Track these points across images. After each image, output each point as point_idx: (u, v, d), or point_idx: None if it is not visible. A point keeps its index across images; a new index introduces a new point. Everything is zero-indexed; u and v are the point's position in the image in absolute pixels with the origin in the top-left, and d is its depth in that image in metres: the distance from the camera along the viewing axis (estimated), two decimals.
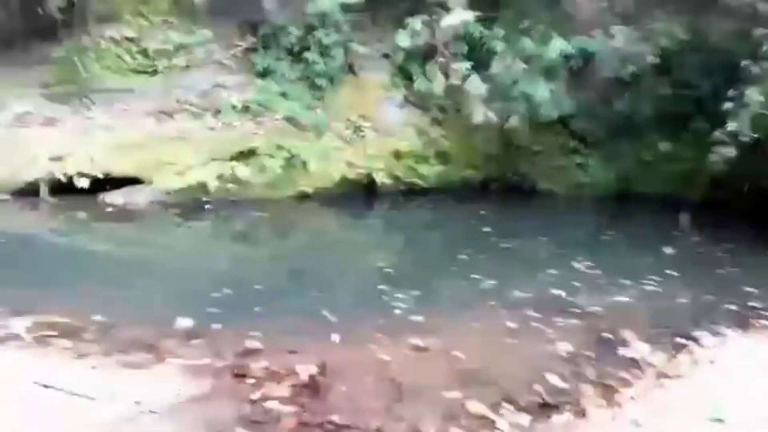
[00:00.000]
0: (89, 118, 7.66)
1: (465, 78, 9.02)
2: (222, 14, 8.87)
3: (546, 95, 8.98)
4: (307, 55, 9.00)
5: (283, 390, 3.44)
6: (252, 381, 3.49)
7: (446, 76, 9.33)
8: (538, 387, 3.75)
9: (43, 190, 6.94)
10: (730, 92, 7.55)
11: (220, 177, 7.56)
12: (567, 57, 9.17)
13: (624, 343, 4.41)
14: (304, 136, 8.46)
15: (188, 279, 5.37)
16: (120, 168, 7.25)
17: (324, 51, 9.12)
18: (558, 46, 9.07)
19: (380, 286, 5.34)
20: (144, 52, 8.45)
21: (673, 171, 9.11)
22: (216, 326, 4.20)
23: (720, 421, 3.21)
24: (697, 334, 4.53)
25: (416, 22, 9.11)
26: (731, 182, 8.19)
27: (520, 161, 9.75)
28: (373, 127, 9.24)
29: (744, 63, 7.52)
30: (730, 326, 4.69)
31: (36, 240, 6.05)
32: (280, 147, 8.02)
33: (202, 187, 7.46)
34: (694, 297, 5.35)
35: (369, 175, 8.80)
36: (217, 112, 8.25)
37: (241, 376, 3.53)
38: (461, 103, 9.32)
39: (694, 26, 9.03)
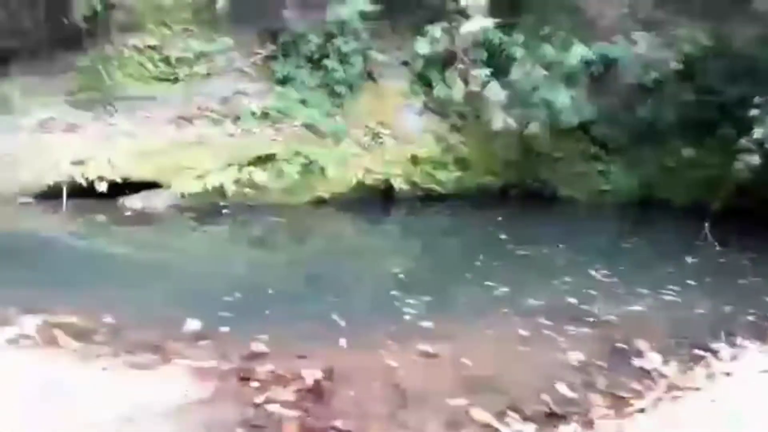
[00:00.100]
0: (111, 125, 7.78)
1: (484, 84, 8.99)
2: (242, 23, 8.97)
3: (567, 101, 8.91)
4: (326, 62, 9.06)
5: (288, 394, 3.44)
6: (257, 384, 3.50)
7: (466, 82, 9.31)
8: (546, 396, 3.70)
9: (64, 194, 7.06)
10: (757, 99, 7.41)
11: (237, 182, 7.62)
12: (588, 63, 9.09)
13: (638, 354, 4.34)
14: (323, 142, 8.50)
15: (201, 282, 5.41)
16: (139, 172, 7.35)
17: (343, 58, 9.17)
18: (579, 52, 9.00)
19: (392, 292, 5.33)
20: (166, 60, 8.57)
21: (696, 178, 8.95)
22: (224, 329, 4.22)
23: None
24: (714, 345, 4.44)
25: (436, 30, 9.12)
26: (756, 190, 8.01)
27: (540, 168, 9.66)
28: (392, 134, 9.24)
29: None
30: (749, 338, 4.57)
31: (55, 242, 6.16)
32: (298, 153, 8.07)
33: (220, 191, 7.53)
34: (713, 307, 5.24)
35: (386, 181, 8.80)
36: (236, 118, 8.33)
37: (246, 379, 3.54)
38: (480, 109, 9.29)
39: (717, 32, 8.89)
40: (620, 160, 9.60)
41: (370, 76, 9.60)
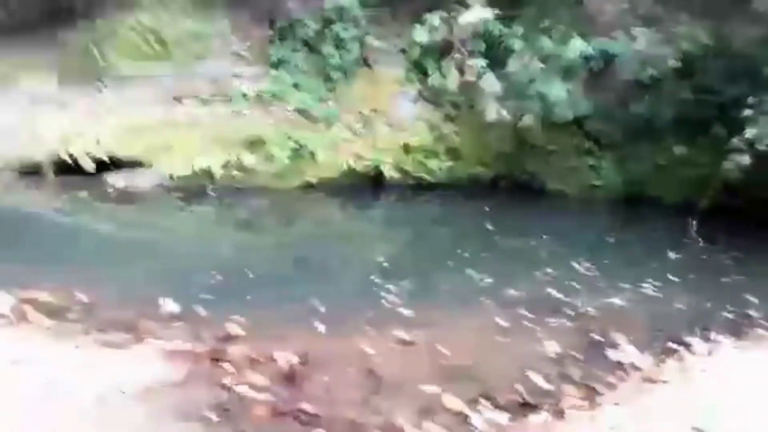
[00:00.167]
0: (101, 103, 7.74)
1: (480, 75, 8.96)
2: (240, 6, 8.91)
3: (562, 95, 8.86)
4: (323, 48, 9.00)
5: (260, 378, 3.44)
6: (229, 367, 3.50)
7: (461, 72, 9.27)
8: (520, 386, 3.71)
9: (49, 170, 7.02)
10: (750, 99, 7.39)
11: (226, 164, 7.60)
12: (587, 58, 9.02)
13: (613, 346, 4.35)
14: (315, 127, 8.47)
15: (183, 263, 5.41)
16: (126, 151, 7.32)
17: (340, 45, 9.11)
18: (577, 46, 8.93)
19: (375, 279, 5.33)
20: (160, 40, 8.49)
21: (688, 176, 8.91)
22: (201, 311, 4.22)
23: (700, 431, 3.13)
24: (689, 340, 4.45)
25: (434, 18, 9.06)
26: (745, 189, 8.02)
27: (533, 160, 9.62)
28: (385, 121, 9.20)
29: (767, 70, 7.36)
30: (725, 334, 4.58)
31: (37, 218, 6.15)
32: (288, 137, 8.04)
33: (208, 173, 7.50)
34: (692, 303, 5.24)
35: (377, 168, 8.77)
36: (227, 100, 8.28)
37: (218, 361, 3.54)
38: (475, 100, 9.26)
39: (718, 31, 8.84)
40: (612, 156, 9.55)
41: (365, 62, 9.55)
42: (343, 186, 8.53)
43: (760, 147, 7.16)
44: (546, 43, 8.99)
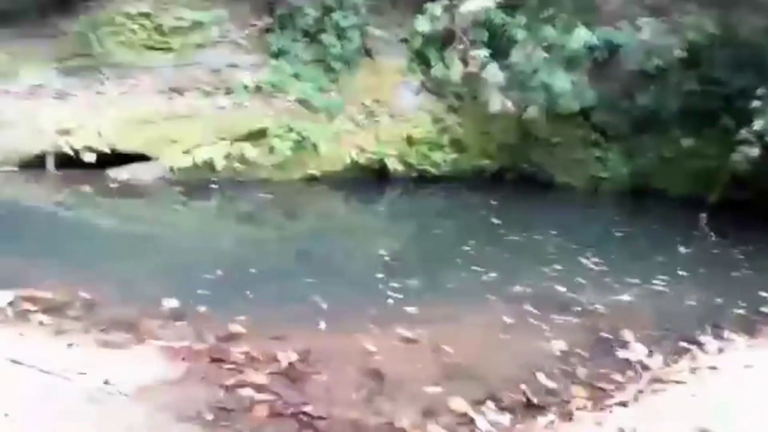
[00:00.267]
0: (100, 93, 7.66)
1: (483, 65, 8.83)
2: None
3: (566, 86, 8.74)
4: (323, 37, 8.88)
5: (261, 377, 3.36)
6: (230, 366, 3.42)
7: (464, 63, 9.14)
8: (525, 386, 3.61)
9: (50, 163, 6.94)
10: (759, 90, 7.26)
11: (227, 157, 7.51)
12: (591, 48, 8.89)
13: (622, 345, 4.26)
14: (316, 118, 8.38)
15: (185, 258, 5.34)
16: (127, 144, 7.24)
17: (341, 34, 8.99)
18: (582, 36, 8.79)
19: (378, 275, 5.25)
20: (159, 29, 8.39)
21: (695, 168, 8.81)
22: (203, 308, 4.14)
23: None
24: (701, 338, 4.36)
25: (436, 7, 8.90)
26: (754, 182, 7.90)
27: (537, 152, 9.53)
28: (388, 112, 9.12)
29: None
30: (737, 331, 4.49)
31: (38, 213, 6.07)
32: (290, 129, 7.94)
33: (209, 166, 7.42)
34: (702, 299, 5.15)
35: (380, 161, 8.68)
36: (228, 91, 8.19)
37: (219, 360, 3.46)
38: (478, 90, 9.13)
39: (725, 21, 8.69)
40: (618, 148, 9.46)
41: (367, 52, 9.43)
42: (346, 179, 8.44)
43: None
44: (549, 32, 8.86)
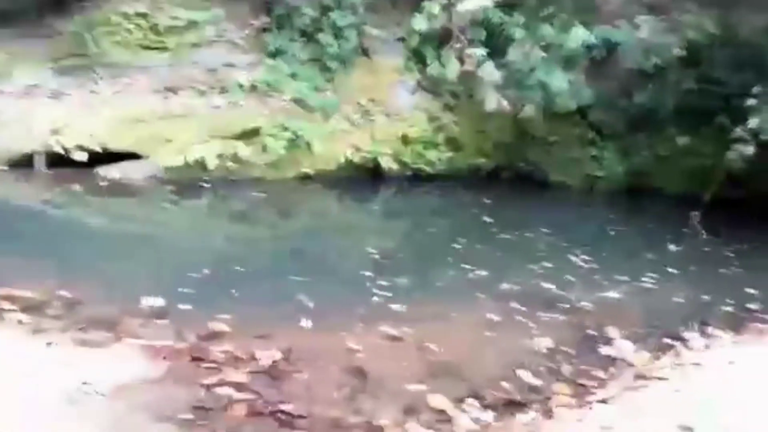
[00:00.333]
0: (94, 93, 7.67)
1: (480, 64, 8.82)
2: None
3: (563, 85, 8.72)
4: (320, 36, 8.88)
5: (241, 376, 3.36)
6: (210, 365, 3.42)
7: (461, 61, 9.13)
8: (508, 383, 3.62)
9: (40, 162, 6.95)
10: (755, 88, 7.24)
11: (220, 156, 7.51)
12: (589, 47, 8.87)
13: (607, 342, 4.26)
14: (312, 117, 8.38)
15: (173, 257, 5.34)
16: (119, 143, 7.24)
17: (338, 33, 8.99)
18: (579, 35, 8.77)
19: (367, 273, 5.24)
20: (155, 29, 8.38)
21: (691, 167, 8.78)
22: (185, 307, 4.13)
23: (689, 430, 3.03)
24: (686, 334, 4.35)
25: (433, 6, 8.91)
26: (749, 181, 7.88)
27: (534, 151, 9.52)
28: (383, 111, 9.11)
29: None
30: (723, 328, 4.48)
31: (27, 212, 6.08)
32: (284, 128, 7.94)
33: (202, 165, 7.41)
34: (690, 296, 5.14)
35: (375, 160, 8.68)
36: (224, 90, 8.20)
37: (199, 359, 3.46)
38: (475, 89, 9.13)
39: (724, 20, 8.66)
40: (615, 147, 9.44)
41: (364, 51, 9.43)
42: (340, 178, 8.45)
43: (764, 137, 7.02)
44: (547, 31, 8.84)
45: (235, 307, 4.17)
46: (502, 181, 9.36)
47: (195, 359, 3.45)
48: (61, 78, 7.85)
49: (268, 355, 3.58)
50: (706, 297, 5.12)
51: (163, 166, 7.25)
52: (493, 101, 8.67)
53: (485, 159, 9.40)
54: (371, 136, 8.75)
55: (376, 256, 5.76)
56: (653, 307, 4.91)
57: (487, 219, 7.32)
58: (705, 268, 6.00)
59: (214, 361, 3.45)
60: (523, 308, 4.72)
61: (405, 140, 8.99)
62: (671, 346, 4.16)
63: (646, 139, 9.30)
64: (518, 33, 8.94)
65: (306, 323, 4.12)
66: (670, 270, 5.76)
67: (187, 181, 7.33)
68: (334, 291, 4.83)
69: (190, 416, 2.94)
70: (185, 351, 3.52)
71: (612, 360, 3.97)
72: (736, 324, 4.57)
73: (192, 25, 8.55)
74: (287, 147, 7.88)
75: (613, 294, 5.15)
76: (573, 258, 6.00)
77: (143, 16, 8.39)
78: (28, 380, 2.98)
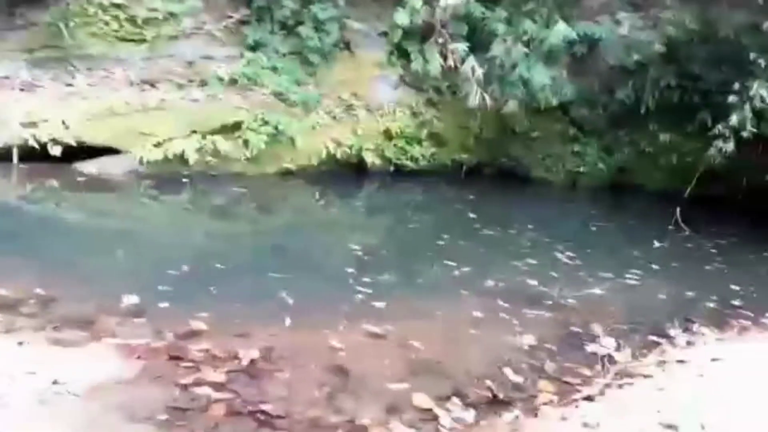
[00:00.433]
0: (70, 85, 7.48)
1: (463, 59, 8.79)
2: None
3: (545, 81, 8.73)
4: (300, 29, 8.77)
5: (219, 375, 3.27)
6: (188, 364, 3.32)
7: (444, 56, 9.09)
8: (492, 381, 3.57)
9: (14, 157, 6.76)
10: (735, 85, 7.29)
11: (200, 150, 7.36)
12: (571, 43, 8.87)
13: (591, 339, 4.24)
14: (293, 111, 8.26)
15: (152, 254, 5.21)
16: (96, 136, 7.05)
17: (319, 26, 8.88)
18: (561, 30, 8.78)
19: (349, 270, 5.17)
20: (132, 20, 8.18)
21: (672, 163, 8.84)
22: (163, 305, 4.03)
23: (673, 428, 3.01)
24: (670, 331, 4.36)
25: (416, 0, 8.86)
26: (729, 177, 7.95)
27: (516, 147, 9.52)
28: (365, 106, 9.03)
29: (753, 56, 7.24)
30: (707, 325, 4.49)
31: (2, 208, 5.89)
32: (265, 122, 7.81)
33: (181, 159, 7.26)
34: (674, 293, 5.15)
35: (358, 155, 8.60)
36: (202, 83, 8.06)
37: (177, 358, 3.36)
38: (457, 85, 9.10)
39: (704, 16, 8.70)
40: (597, 143, 9.47)
41: (346, 45, 9.33)
42: (322, 173, 8.36)
43: (744, 133, 7.07)
44: (529, 26, 8.82)
45: (214, 305, 4.07)
46: (485, 176, 9.35)
47: (172, 358, 3.35)
48: (34, 70, 7.65)
49: (247, 354, 3.49)
50: (689, 293, 5.13)
51: (141, 161, 7.07)
52: (475, 97, 8.66)
53: (468, 155, 9.38)
54: (353, 131, 8.67)
55: (359, 253, 5.69)
56: (637, 304, 4.91)
57: (471, 215, 7.29)
58: (688, 264, 6.03)
59: (192, 360, 3.36)
60: (507, 305, 4.69)
61: (388, 135, 8.93)
62: (655, 343, 4.16)
63: (628, 136, 9.35)
64: (501, 28, 8.91)
65: (287, 321, 4.03)
66: (653, 266, 5.78)
67: (167, 176, 7.18)
68: (316, 288, 4.74)
69: (166, 417, 2.85)
70: (162, 350, 3.42)
71: (596, 357, 3.95)
72: (720, 320, 4.59)
73: (170, 16, 8.38)
74: (268, 141, 7.76)
75: (597, 290, 5.14)
76: (557, 254, 5.99)
77: (120, 7, 8.19)
78: None
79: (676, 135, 8.80)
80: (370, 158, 8.65)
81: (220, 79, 8.10)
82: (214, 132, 7.55)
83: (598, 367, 3.84)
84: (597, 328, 4.35)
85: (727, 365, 3.79)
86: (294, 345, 3.72)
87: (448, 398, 3.36)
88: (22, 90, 7.34)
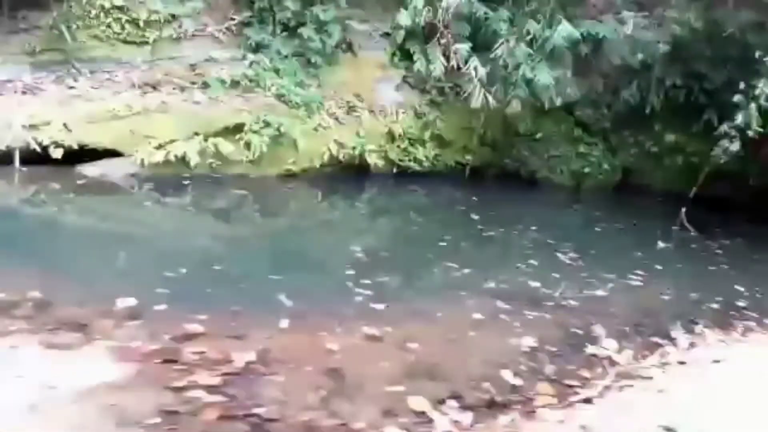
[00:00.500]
0: (72, 88, 7.49)
1: (465, 60, 8.75)
2: None
3: (549, 81, 8.67)
4: (302, 31, 8.76)
5: (214, 378, 3.24)
6: (182, 367, 3.29)
7: (446, 57, 9.06)
8: (490, 384, 3.52)
9: (15, 160, 6.77)
10: (741, 85, 7.22)
11: (202, 152, 7.34)
12: (575, 42, 8.82)
13: (592, 340, 4.19)
14: (295, 113, 8.24)
15: (153, 256, 5.19)
16: (98, 139, 7.05)
17: (321, 27, 8.87)
18: (565, 30, 8.72)
19: (349, 271, 5.14)
20: (134, 22, 8.21)
21: (677, 164, 8.78)
22: (160, 307, 4.00)
23: (671, 430, 2.96)
24: (672, 333, 4.30)
25: (418, 1, 8.83)
26: (735, 177, 7.87)
27: (520, 148, 9.47)
28: (368, 107, 9.02)
29: (759, 55, 7.17)
30: (710, 326, 4.44)
31: (3, 210, 5.89)
32: (267, 124, 7.79)
33: (183, 161, 7.24)
34: (677, 294, 5.10)
35: (360, 156, 8.56)
36: (204, 86, 8.06)
37: (171, 361, 3.33)
38: (460, 85, 9.06)
39: (709, 15, 8.64)
40: (601, 144, 9.42)
41: (348, 46, 9.32)
42: (324, 174, 8.33)
43: (750, 133, 7.00)
44: (533, 26, 8.78)
45: (211, 308, 4.05)
46: (489, 177, 9.30)
47: (167, 361, 3.32)
48: (36, 73, 7.68)
49: (242, 357, 3.46)
50: (693, 294, 5.07)
51: (144, 163, 7.06)
52: (478, 97, 8.62)
53: (472, 156, 9.33)
54: (356, 133, 8.64)
55: (360, 255, 5.65)
56: (640, 305, 4.85)
57: (474, 216, 7.24)
58: (692, 265, 5.98)
59: (186, 363, 3.33)
60: (508, 306, 4.64)
61: (391, 137, 8.90)
62: (657, 345, 4.12)
63: (633, 136, 9.29)
64: (503, 28, 8.87)
65: (284, 323, 4.00)
66: (657, 267, 5.72)
67: (169, 179, 7.17)
68: (315, 290, 4.71)
69: (158, 420, 2.82)
70: (157, 353, 3.39)
71: (597, 359, 3.90)
72: (724, 322, 4.53)
73: (171, 18, 8.40)
74: (270, 143, 7.74)
75: (599, 292, 5.09)
76: (560, 255, 5.94)
77: (122, 9, 8.22)
78: None
79: (681, 135, 8.74)
80: (373, 160, 8.61)
81: (222, 81, 8.10)
82: (216, 134, 7.54)
83: (599, 369, 3.79)
84: (598, 330, 4.30)
85: (729, 367, 3.74)
86: (290, 347, 3.69)
87: (444, 401, 3.31)
88: (24, 93, 7.36)
